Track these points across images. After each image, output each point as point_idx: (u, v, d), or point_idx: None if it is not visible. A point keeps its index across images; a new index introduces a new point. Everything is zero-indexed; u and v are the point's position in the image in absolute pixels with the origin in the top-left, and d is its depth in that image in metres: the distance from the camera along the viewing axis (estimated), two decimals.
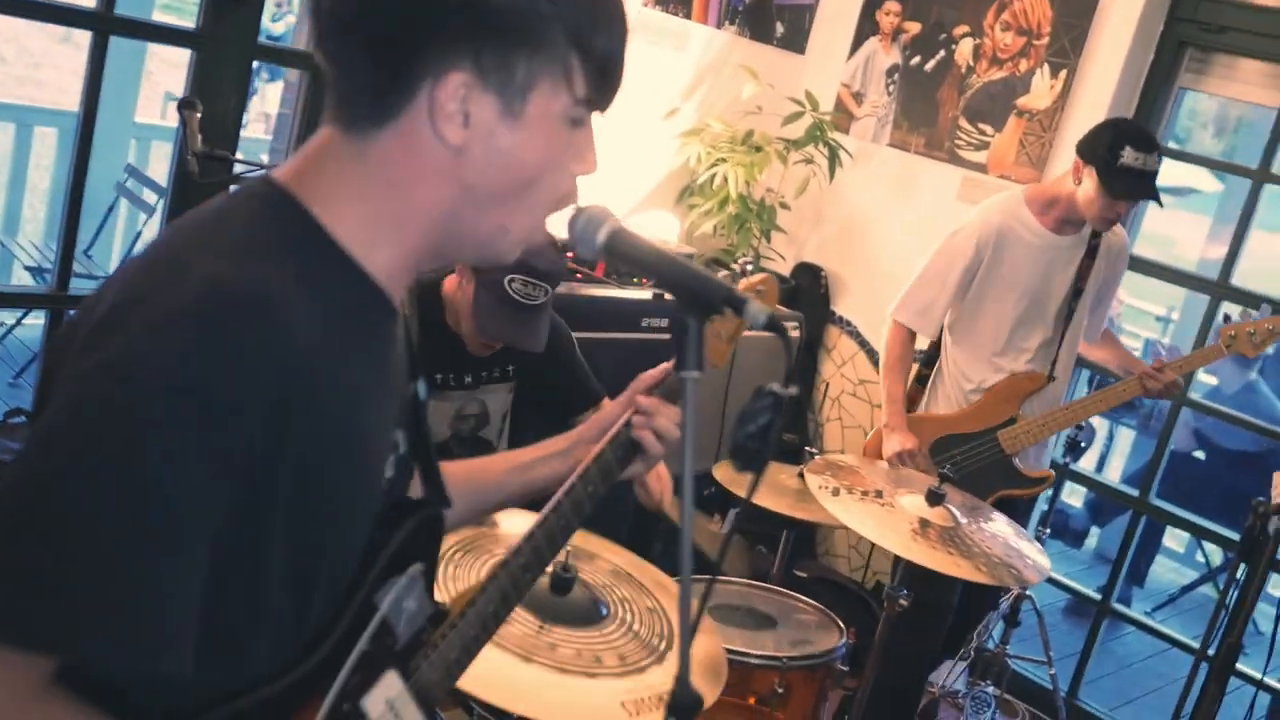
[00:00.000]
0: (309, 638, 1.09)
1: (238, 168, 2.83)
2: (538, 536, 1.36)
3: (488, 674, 1.63)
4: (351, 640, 1.12)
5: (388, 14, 1.00)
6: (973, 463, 3.41)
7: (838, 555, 4.51)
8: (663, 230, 4.13)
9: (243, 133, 3.37)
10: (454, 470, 1.42)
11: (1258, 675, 3.64)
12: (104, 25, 3.01)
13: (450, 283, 2.64)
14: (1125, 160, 3.09)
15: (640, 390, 1.50)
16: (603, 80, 1.07)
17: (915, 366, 3.63)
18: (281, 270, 0.98)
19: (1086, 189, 3.17)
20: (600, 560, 2.00)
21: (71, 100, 3.34)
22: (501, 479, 1.48)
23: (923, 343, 3.59)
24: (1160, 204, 3.29)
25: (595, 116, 1.12)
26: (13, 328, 5.28)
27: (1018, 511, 3.40)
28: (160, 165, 5.95)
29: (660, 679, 1.69)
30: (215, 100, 3.11)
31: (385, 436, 1.16)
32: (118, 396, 0.90)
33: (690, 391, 1.13)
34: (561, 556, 1.89)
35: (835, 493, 2.39)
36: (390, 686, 1.16)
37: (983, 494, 3.19)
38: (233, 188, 1.08)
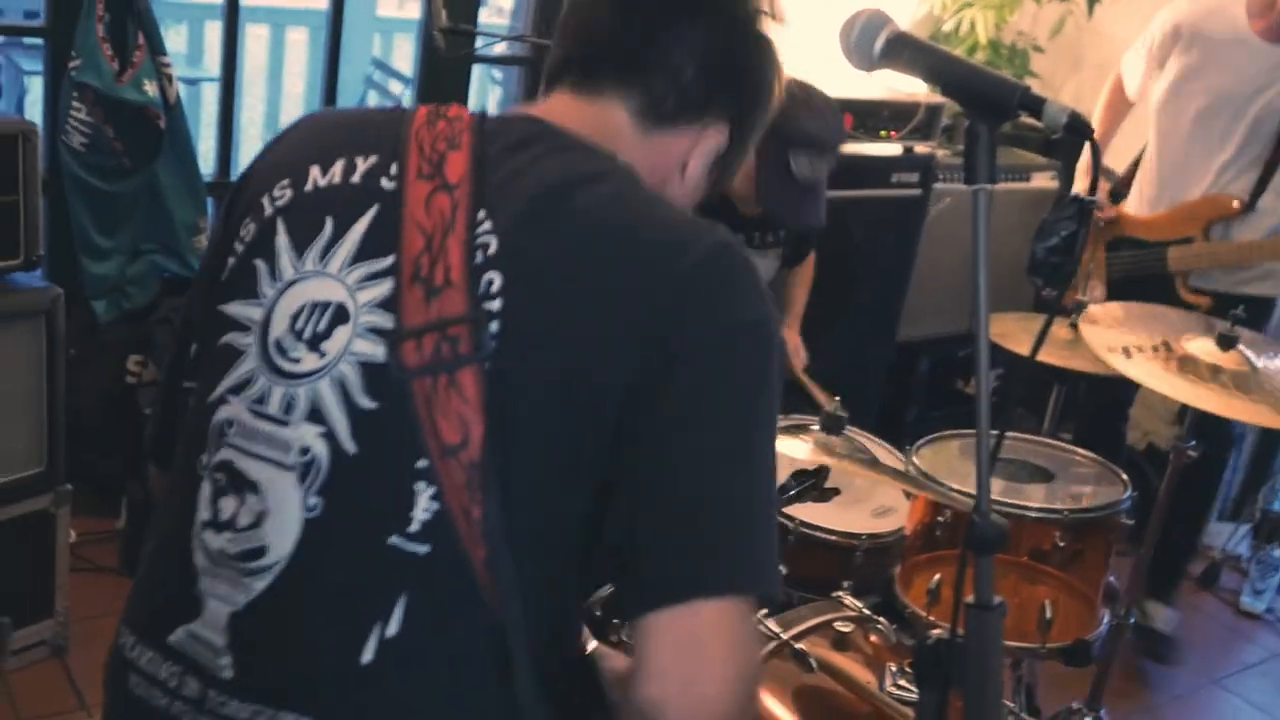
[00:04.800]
0: None
1: (479, 40, 2.86)
2: None
3: None
4: None
5: (743, 70, 1.16)
6: (1137, 270, 3.20)
7: None
8: (904, 85, 3.94)
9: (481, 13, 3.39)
10: None
11: None
12: None
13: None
14: None
15: None
16: None
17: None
18: None
19: None
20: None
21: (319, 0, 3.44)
22: None
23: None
24: None
25: None
26: None
27: None
28: (404, 56, 6.10)
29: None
30: None
31: None
32: (768, 359, 1.00)
33: (984, 205, 1.05)
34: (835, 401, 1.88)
35: (1127, 353, 2.24)
36: None
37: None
38: (566, 143, 1.11)
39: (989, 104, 1.04)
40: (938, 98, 3.61)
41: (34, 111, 4.08)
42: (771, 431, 0.99)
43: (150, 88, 2.93)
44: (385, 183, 1.03)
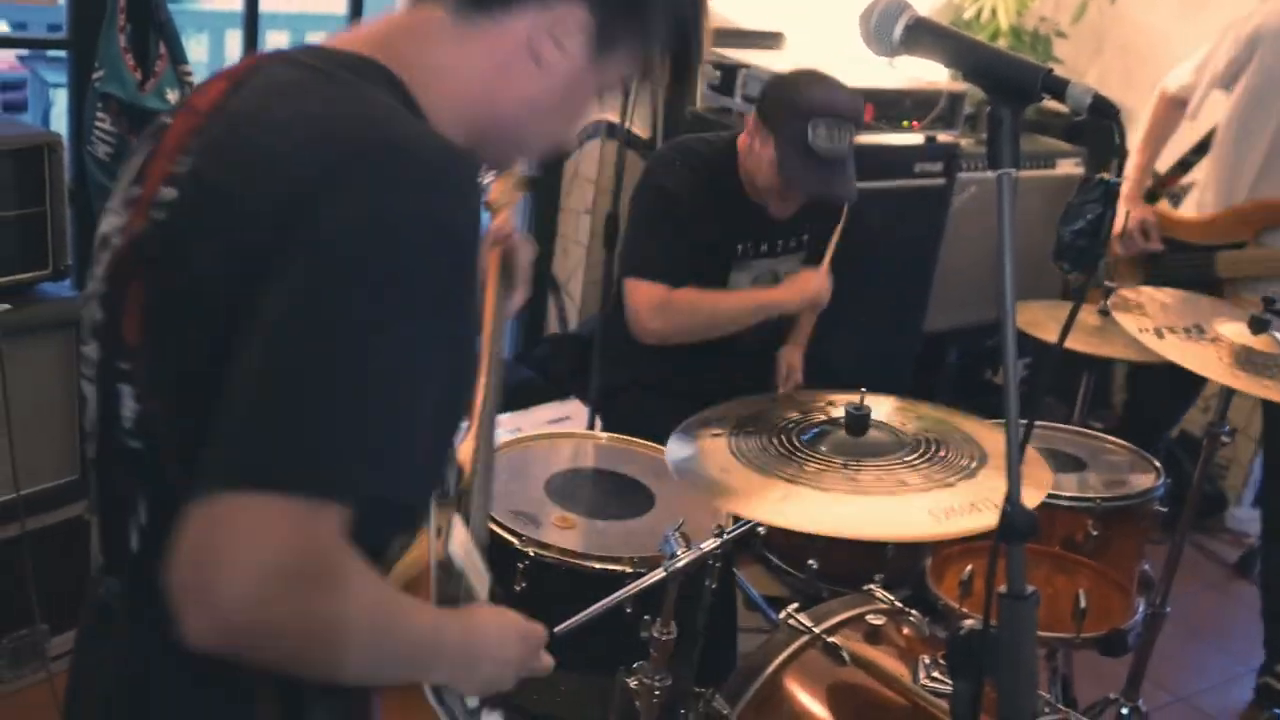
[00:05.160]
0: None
1: None
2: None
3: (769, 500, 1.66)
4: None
5: None
6: (1180, 273, 3.06)
7: None
8: (926, 74, 3.92)
9: None
10: None
11: None
12: None
13: (742, 144, 2.57)
14: None
15: None
16: (672, 77, 1.14)
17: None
18: None
19: None
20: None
21: (337, 4, 3.46)
22: None
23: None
24: None
25: None
26: None
27: None
28: None
29: (969, 493, 1.64)
30: None
31: None
32: (388, 253, 0.92)
33: (1009, 189, 1.04)
34: (856, 398, 1.88)
35: (1159, 334, 2.23)
36: (460, 532, 1.17)
37: None
38: (317, 59, 1.07)
39: (1012, 87, 1.03)
40: (960, 86, 3.59)
41: (60, 123, 4.12)
42: (396, 338, 0.91)
43: (173, 96, 2.94)
44: (169, 120, 1.08)
